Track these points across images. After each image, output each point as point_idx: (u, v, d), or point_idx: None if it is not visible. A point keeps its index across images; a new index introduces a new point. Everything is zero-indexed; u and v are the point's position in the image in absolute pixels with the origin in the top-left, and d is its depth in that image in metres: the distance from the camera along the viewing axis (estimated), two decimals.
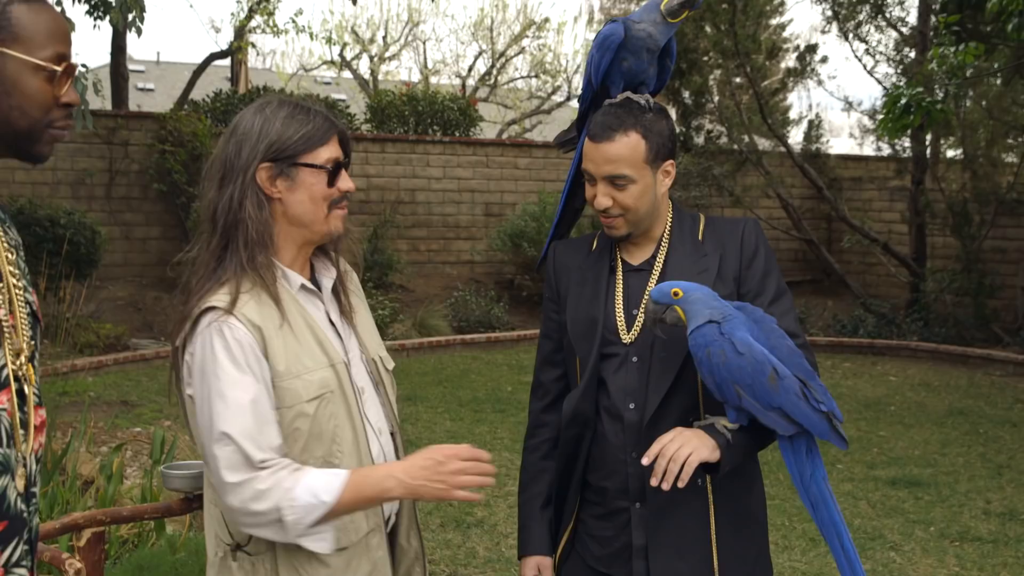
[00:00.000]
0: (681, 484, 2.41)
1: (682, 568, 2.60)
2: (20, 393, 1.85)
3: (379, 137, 16.44)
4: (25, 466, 1.85)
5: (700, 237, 2.77)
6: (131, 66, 36.76)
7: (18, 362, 1.86)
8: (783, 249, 17.67)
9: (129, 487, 6.04)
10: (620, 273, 2.78)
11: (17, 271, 1.93)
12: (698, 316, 2.47)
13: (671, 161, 2.71)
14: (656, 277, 2.72)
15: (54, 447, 5.92)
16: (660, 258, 2.75)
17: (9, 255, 1.93)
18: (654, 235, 2.77)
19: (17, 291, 1.90)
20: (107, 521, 2.79)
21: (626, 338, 2.69)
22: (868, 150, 17.12)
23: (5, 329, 1.84)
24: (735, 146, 16.00)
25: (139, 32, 7.83)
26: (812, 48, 15.85)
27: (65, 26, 1.95)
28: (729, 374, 2.42)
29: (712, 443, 2.47)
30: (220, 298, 2.27)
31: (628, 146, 2.61)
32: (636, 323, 2.70)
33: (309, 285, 2.43)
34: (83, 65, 7.83)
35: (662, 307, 2.49)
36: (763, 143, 16.41)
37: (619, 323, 2.71)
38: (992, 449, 8.70)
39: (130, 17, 7.44)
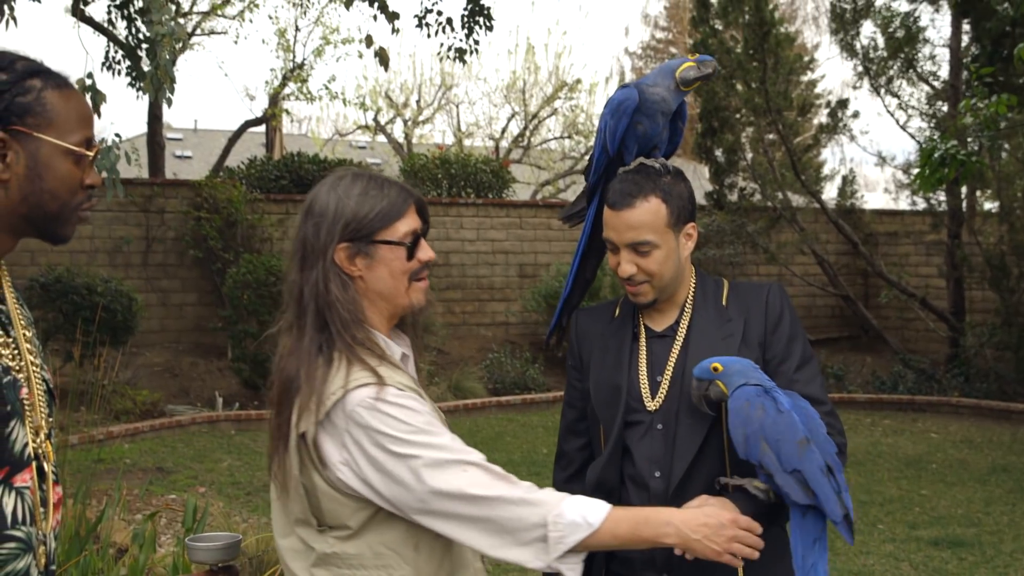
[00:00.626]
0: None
1: None
2: (39, 471, 1.85)
3: None
4: (45, 543, 1.84)
5: (724, 302, 2.74)
6: (169, 134, 37.31)
7: (38, 440, 1.86)
8: (819, 305, 17.55)
9: (162, 556, 6.02)
10: (643, 340, 2.76)
11: (34, 348, 1.94)
12: (739, 383, 2.48)
13: (692, 224, 2.70)
14: (679, 343, 2.70)
15: (88, 515, 5.91)
16: (684, 323, 2.73)
17: (27, 332, 1.94)
18: (677, 300, 2.75)
19: (35, 368, 1.91)
20: None
21: (651, 406, 2.67)
22: (903, 204, 17.04)
23: (26, 407, 1.85)
24: (769, 203, 15.96)
25: (169, 103, 7.92)
26: (843, 103, 15.83)
27: (90, 111, 1.99)
28: (762, 429, 2.39)
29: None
30: (361, 376, 2.23)
31: (649, 211, 2.59)
32: (661, 390, 2.67)
33: (409, 352, 2.44)
34: (116, 135, 7.93)
35: (705, 383, 2.47)
36: (797, 199, 16.36)
37: (643, 390, 2.69)
38: None
39: (162, 87, 7.53)
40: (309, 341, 2.29)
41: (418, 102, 27.57)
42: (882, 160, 16.72)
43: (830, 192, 18.17)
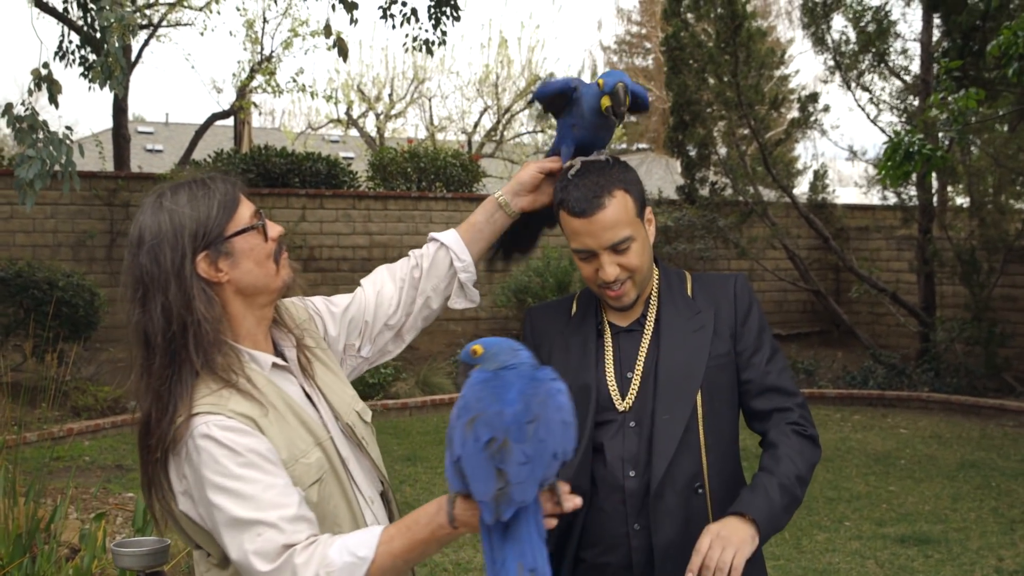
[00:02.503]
0: None
1: None
2: None
3: (381, 194, 16.39)
4: None
5: (690, 293, 2.67)
6: (140, 128, 37.08)
7: None
8: (791, 300, 17.52)
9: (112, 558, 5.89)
10: (608, 336, 2.66)
11: None
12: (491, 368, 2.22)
13: (648, 208, 2.62)
14: (649, 337, 2.61)
15: (41, 513, 5.77)
16: (651, 317, 2.65)
17: None
18: (642, 294, 2.65)
19: None
20: None
21: (621, 405, 2.57)
22: (874, 199, 17.00)
23: None
24: (740, 197, 15.90)
25: (121, 93, 7.79)
26: (813, 97, 15.77)
27: None
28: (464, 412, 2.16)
29: (749, 532, 2.37)
30: (197, 404, 2.11)
31: (619, 206, 2.49)
32: (632, 388, 2.57)
33: (280, 362, 2.29)
34: (67, 127, 7.76)
35: (465, 367, 2.26)
36: (768, 194, 16.31)
37: (612, 390, 2.59)
38: (1005, 503, 8.48)
39: (112, 77, 7.37)
40: (158, 380, 2.14)
41: (390, 96, 27.45)
42: (853, 155, 16.68)
43: (802, 187, 18.14)
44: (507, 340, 2.19)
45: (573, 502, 1.98)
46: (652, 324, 2.63)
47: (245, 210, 2.23)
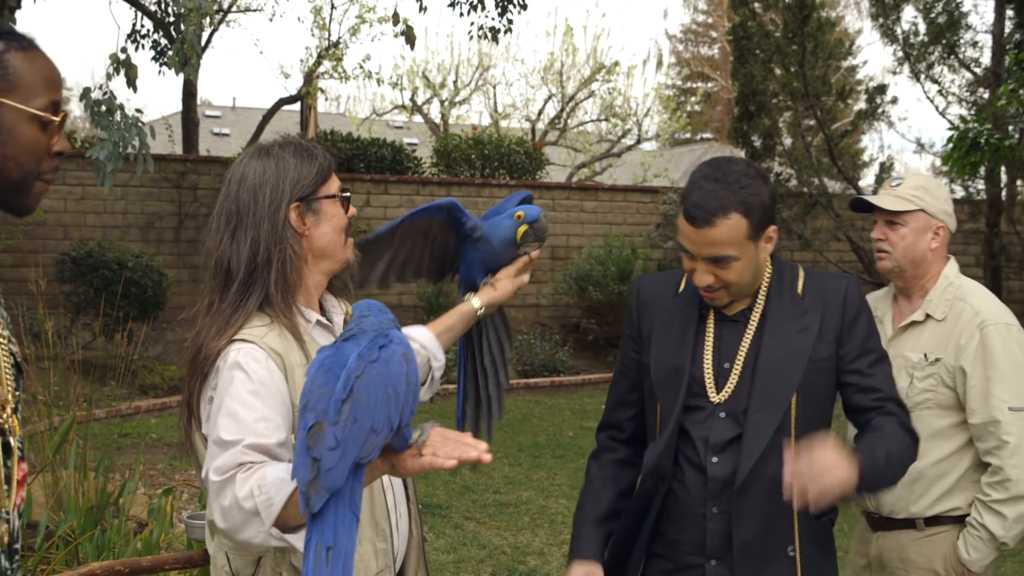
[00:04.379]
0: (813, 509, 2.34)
1: None
2: (5, 446, 1.79)
3: (445, 181, 16.47)
4: (8, 521, 1.79)
5: (800, 291, 2.63)
6: (208, 112, 37.46)
7: (4, 414, 1.80)
8: None
9: (181, 531, 6.01)
10: (711, 322, 2.65)
11: (1, 320, 1.88)
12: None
13: (772, 227, 2.56)
14: (753, 331, 2.60)
15: (110, 488, 5.91)
16: (757, 311, 2.62)
17: None
18: (739, 299, 2.64)
19: (1, 340, 1.84)
20: (125, 572, 2.74)
21: (715, 397, 2.58)
22: None
23: None
24: (804, 189, 15.79)
25: (194, 78, 7.91)
26: (881, 89, 15.62)
27: (59, 74, 1.92)
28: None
29: (849, 471, 2.35)
30: (242, 332, 2.26)
31: (730, 228, 2.45)
32: (731, 379, 2.57)
33: (324, 320, 2.44)
34: (137, 110, 7.90)
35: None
36: (833, 185, 16.17)
37: (707, 378, 2.59)
38: None
39: (188, 62, 7.50)
40: (228, 305, 2.31)
41: (455, 82, 27.48)
42: (921, 147, 16.53)
43: (868, 179, 17.96)
44: (374, 303, 2.16)
45: (478, 450, 1.94)
46: (758, 318, 2.61)
47: (335, 182, 2.43)
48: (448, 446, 1.95)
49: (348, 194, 2.45)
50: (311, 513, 1.89)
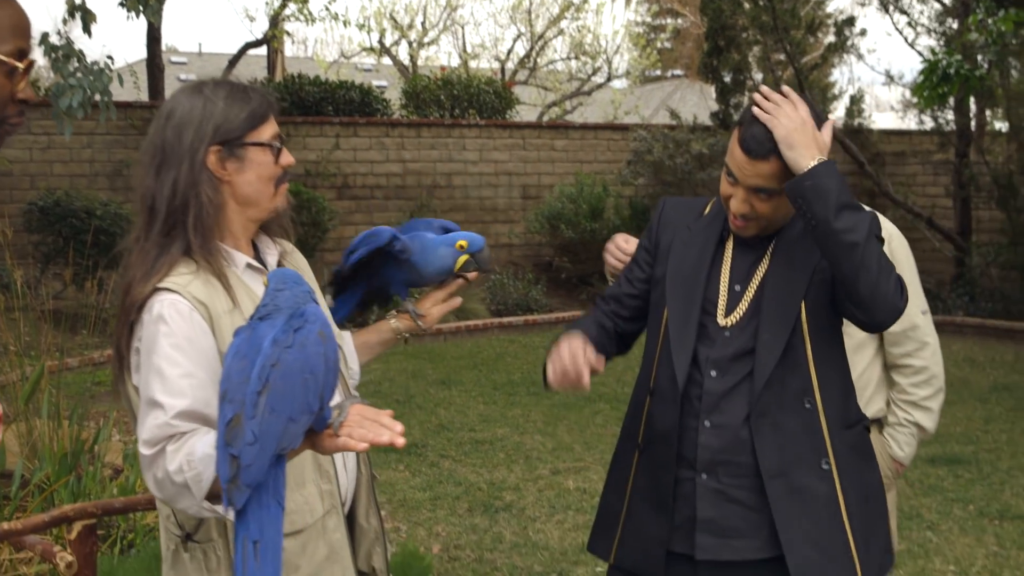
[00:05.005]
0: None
1: (817, 557, 2.47)
2: None
3: (415, 122, 16.37)
4: None
5: None
6: (174, 58, 37.08)
7: None
8: None
9: None
10: (731, 245, 2.65)
11: None
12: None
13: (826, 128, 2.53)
14: (769, 255, 2.58)
15: (84, 436, 5.90)
16: (779, 237, 2.61)
17: None
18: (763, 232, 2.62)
19: None
20: (98, 513, 2.74)
21: (723, 321, 2.57)
22: (911, 124, 16.82)
23: None
24: None
25: (156, 21, 7.80)
26: (850, 21, 15.57)
27: (27, 20, 1.87)
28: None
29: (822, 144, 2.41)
30: (166, 281, 2.19)
31: (782, 166, 2.44)
32: (739, 306, 2.57)
33: (255, 263, 2.36)
34: (108, 57, 7.79)
35: None
36: None
37: (721, 299, 2.59)
38: None
39: (147, 5, 7.40)
40: (152, 244, 2.25)
41: (423, 23, 27.27)
42: (890, 79, 16.51)
43: (838, 112, 17.95)
44: (289, 273, 2.09)
45: (391, 433, 1.89)
46: (776, 243, 2.60)
47: (269, 129, 2.31)
48: (364, 426, 1.90)
49: (278, 144, 2.32)
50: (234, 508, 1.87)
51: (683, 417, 2.57)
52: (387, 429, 1.88)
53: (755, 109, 2.44)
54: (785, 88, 2.48)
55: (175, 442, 2.06)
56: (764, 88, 2.47)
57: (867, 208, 2.51)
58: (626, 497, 2.71)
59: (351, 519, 2.46)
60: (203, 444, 2.02)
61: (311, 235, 13.83)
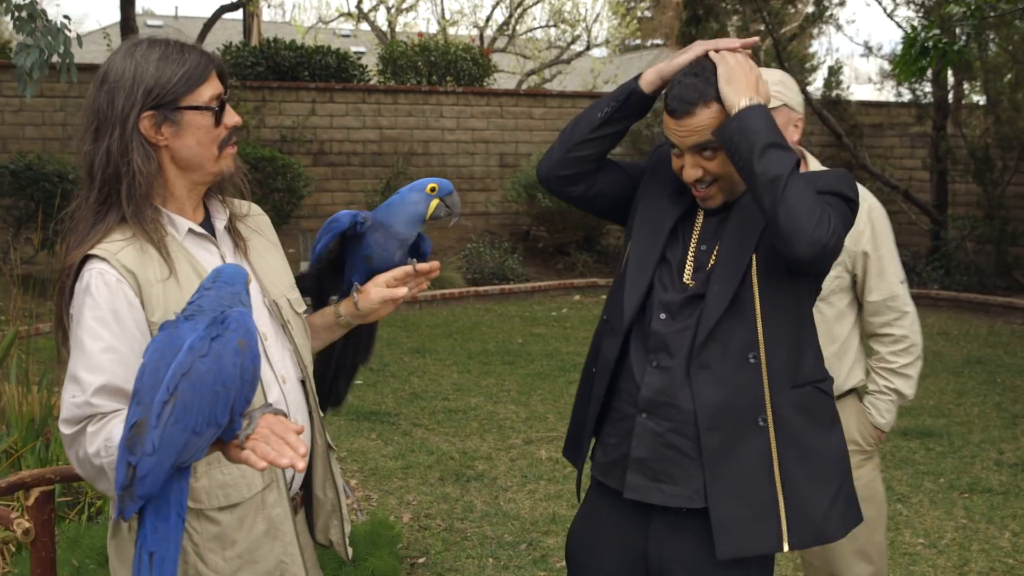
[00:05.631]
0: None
1: (742, 513, 2.47)
2: None
3: (391, 88, 16.26)
4: None
5: None
6: (150, 21, 36.73)
7: None
8: None
9: None
10: (701, 214, 2.65)
11: None
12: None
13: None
14: (730, 220, 2.57)
15: (53, 400, 5.85)
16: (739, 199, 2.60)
17: None
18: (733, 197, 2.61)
19: None
20: (55, 479, 2.70)
21: (688, 281, 2.57)
22: (889, 96, 16.82)
23: None
24: None
25: None
26: None
27: None
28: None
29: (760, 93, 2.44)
30: (98, 247, 2.14)
31: (709, 116, 2.46)
32: (708, 264, 2.56)
33: (198, 229, 2.29)
34: (65, 16, 7.67)
35: None
36: None
37: (689, 258, 2.60)
38: (1008, 399, 8.55)
39: None
40: (88, 210, 2.20)
41: None
42: (868, 50, 16.55)
43: (817, 84, 17.94)
44: (228, 269, 2.01)
45: (290, 458, 1.83)
46: (738, 201, 2.59)
47: (208, 90, 2.22)
48: (270, 442, 1.85)
49: (216, 106, 2.22)
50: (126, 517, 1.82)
51: (633, 354, 2.60)
52: (291, 449, 1.83)
53: (699, 45, 2.51)
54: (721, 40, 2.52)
55: (95, 423, 2.03)
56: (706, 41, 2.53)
57: (841, 171, 2.58)
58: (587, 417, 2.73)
59: (308, 491, 2.43)
60: (119, 430, 1.96)
61: (286, 201, 13.74)
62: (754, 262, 2.50)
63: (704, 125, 2.46)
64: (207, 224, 2.34)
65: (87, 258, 2.13)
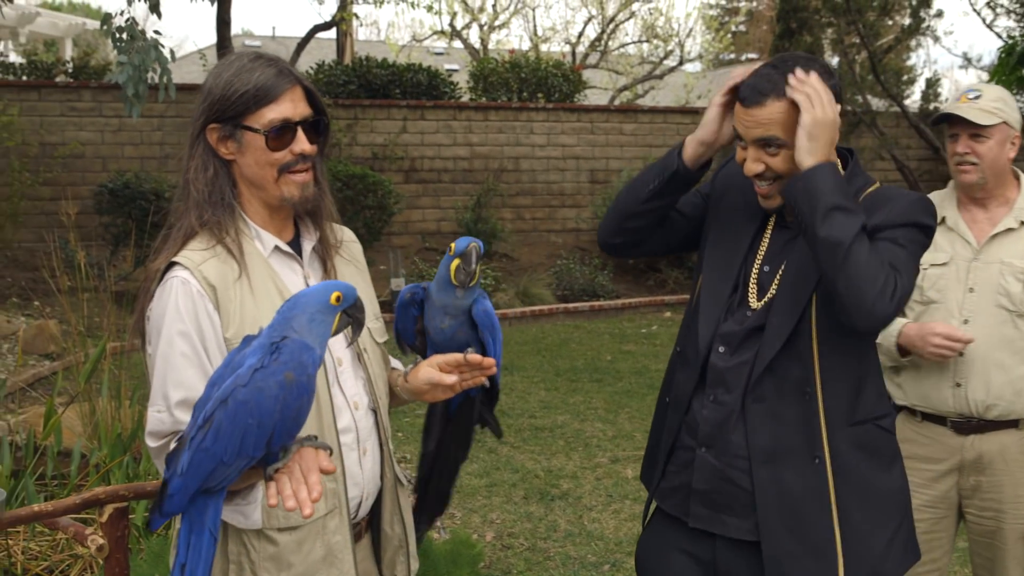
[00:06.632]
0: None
1: (796, 550, 2.45)
2: None
3: (482, 105, 16.31)
4: None
5: (861, 199, 2.50)
6: (248, 42, 37.36)
7: None
8: None
9: None
10: (771, 227, 2.62)
11: None
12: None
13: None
14: (797, 243, 2.51)
15: (143, 416, 5.94)
16: None
17: None
18: None
19: None
20: (129, 496, 2.72)
21: (755, 304, 2.54)
22: None
23: None
24: (848, 107, 15.50)
25: (227, 3, 7.80)
26: (926, 2, 15.23)
27: None
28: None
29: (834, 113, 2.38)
30: (181, 255, 2.17)
31: (780, 110, 2.40)
32: (771, 288, 2.53)
33: (284, 247, 2.29)
34: (156, 31, 7.83)
35: None
36: (877, 103, 15.86)
37: (752, 280, 2.57)
38: None
39: None
40: (176, 216, 2.25)
41: (494, 6, 27.18)
42: (967, 61, 16.14)
43: (914, 97, 17.61)
44: (304, 296, 1.95)
45: (298, 501, 1.84)
46: None
47: (274, 112, 2.19)
48: (293, 481, 1.85)
49: (271, 132, 2.19)
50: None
51: (699, 387, 2.58)
52: (298, 495, 1.82)
53: (789, 88, 2.37)
54: (814, 76, 2.38)
55: (178, 439, 2.03)
56: (800, 72, 2.38)
57: (912, 194, 2.49)
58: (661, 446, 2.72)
59: (376, 526, 2.41)
60: None
61: (377, 218, 13.85)
62: (814, 299, 2.45)
63: (772, 119, 2.41)
64: (295, 244, 2.34)
65: (171, 265, 2.16)
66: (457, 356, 2.36)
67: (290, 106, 2.21)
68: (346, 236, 2.49)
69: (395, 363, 2.58)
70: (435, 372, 2.35)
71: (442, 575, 4.50)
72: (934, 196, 3.59)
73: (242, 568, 2.18)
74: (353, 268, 2.46)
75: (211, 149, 2.22)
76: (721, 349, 2.53)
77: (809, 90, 2.35)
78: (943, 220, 3.51)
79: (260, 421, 1.82)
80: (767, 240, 2.59)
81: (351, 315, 1.99)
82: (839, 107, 2.44)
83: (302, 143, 2.23)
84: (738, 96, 2.47)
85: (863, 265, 2.27)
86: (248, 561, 2.17)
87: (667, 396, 2.72)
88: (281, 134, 2.20)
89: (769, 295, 2.52)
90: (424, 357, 2.48)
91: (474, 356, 2.35)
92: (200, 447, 1.80)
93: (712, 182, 2.77)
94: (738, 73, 2.51)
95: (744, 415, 2.48)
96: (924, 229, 2.45)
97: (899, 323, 3.44)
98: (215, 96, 2.19)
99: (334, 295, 1.93)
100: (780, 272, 2.52)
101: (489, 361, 2.36)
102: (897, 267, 2.33)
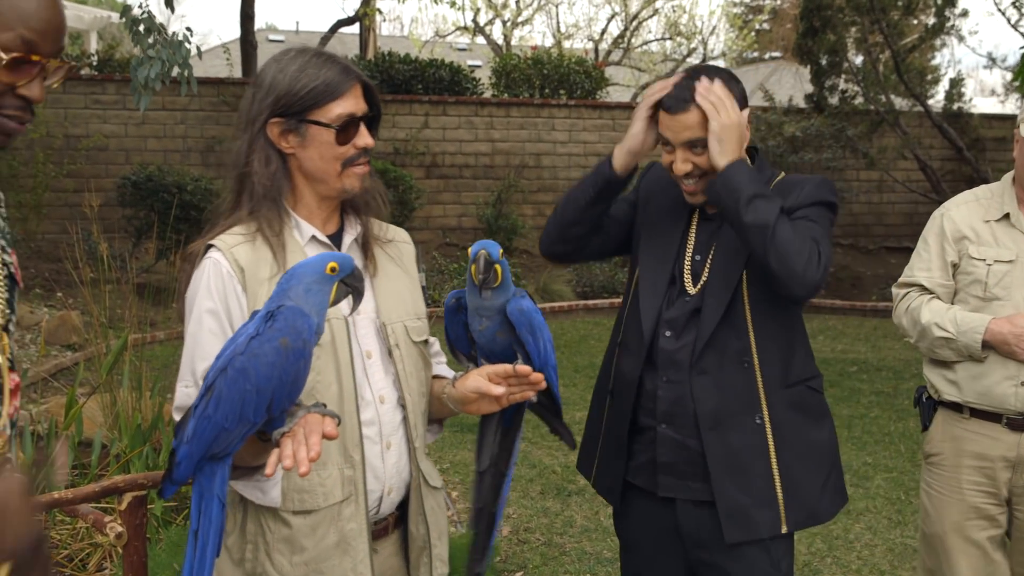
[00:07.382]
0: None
1: (745, 502, 2.73)
2: None
3: (504, 101, 16.32)
4: (2, 431, 1.77)
5: (771, 188, 2.82)
6: (271, 36, 37.49)
7: None
8: (921, 212, 17.02)
9: None
10: (696, 220, 2.90)
11: None
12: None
13: (743, 121, 2.73)
14: (723, 232, 2.82)
15: (166, 408, 5.98)
16: None
17: None
18: None
19: None
20: (148, 485, 2.75)
21: (692, 290, 2.82)
22: (1012, 108, 16.34)
23: None
24: (871, 106, 15.43)
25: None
26: (951, 1, 15.15)
27: (46, 12, 1.64)
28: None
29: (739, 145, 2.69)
30: (217, 238, 2.24)
31: (702, 114, 2.68)
32: (703, 274, 2.81)
33: (321, 237, 2.33)
34: (187, 28, 7.87)
35: None
36: (901, 103, 15.79)
37: (686, 269, 2.85)
38: None
39: None
40: (224, 202, 2.33)
41: (517, 2, 27.20)
42: (992, 62, 16.07)
43: (939, 96, 17.53)
44: (305, 264, 1.98)
45: (298, 460, 1.82)
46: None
47: (340, 107, 2.26)
48: (295, 444, 1.83)
49: (335, 125, 2.24)
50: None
51: (647, 371, 2.83)
52: (304, 452, 1.81)
53: (697, 97, 2.66)
54: (717, 84, 2.67)
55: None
56: (705, 81, 2.68)
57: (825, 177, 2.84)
58: (600, 435, 2.99)
59: (405, 523, 2.41)
60: None
61: (398, 213, 13.88)
62: (744, 277, 2.75)
63: (697, 122, 2.69)
64: (336, 236, 2.39)
65: (209, 247, 2.23)
66: (507, 367, 2.30)
67: (353, 102, 2.28)
68: (399, 237, 2.55)
69: (447, 372, 2.56)
70: (483, 381, 2.30)
71: (457, 568, 4.52)
72: (988, 189, 3.70)
73: (257, 548, 2.22)
74: (395, 266, 2.47)
75: (271, 143, 2.27)
76: (668, 334, 2.80)
77: (713, 98, 2.65)
78: (1006, 216, 3.55)
79: (258, 387, 1.86)
80: (694, 233, 2.87)
81: (349, 284, 2.02)
82: (746, 111, 2.73)
83: (365, 137, 2.30)
84: (663, 106, 2.74)
85: (789, 241, 2.57)
86: (263, 542, 2.22)
87: (608, 386, 2.96)
88: (346, 129, 2.27)
89: (703, 280, 2.80)
90: (477, 366, 2.43)
91: (523, 367, 2.28)
92: (203, 415, 1.86)
93: (636, 189, 3.06)
94: (657, 89, 2.78)
95: (691, 387, 2.75)
96: (830, 206, 2.77)
97: (981, 319, 3.43)
98: (280, 91, 2.24)
99: (329, 265, 1.97)
100: (710, 259, 2.81)
101: (537, 376, 2.28)
102: (816, 239, 2.64)
